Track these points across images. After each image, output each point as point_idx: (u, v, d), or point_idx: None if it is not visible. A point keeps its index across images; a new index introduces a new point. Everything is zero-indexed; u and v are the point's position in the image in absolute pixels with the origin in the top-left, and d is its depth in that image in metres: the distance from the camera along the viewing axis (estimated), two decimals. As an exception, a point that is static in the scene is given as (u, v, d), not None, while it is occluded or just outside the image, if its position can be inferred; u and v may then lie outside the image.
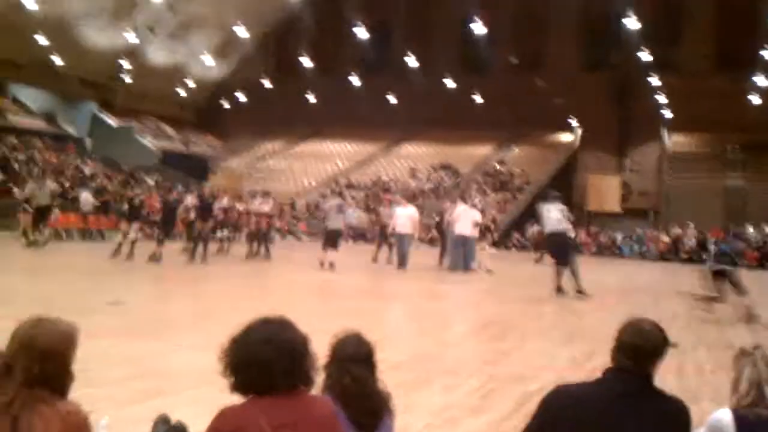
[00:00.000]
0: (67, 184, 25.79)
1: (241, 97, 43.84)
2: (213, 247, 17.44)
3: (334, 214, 16.71)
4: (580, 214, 29.17)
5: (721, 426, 2.68)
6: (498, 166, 36.85)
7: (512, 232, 30.00)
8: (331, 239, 16.15)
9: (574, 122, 38.44)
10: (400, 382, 5.10)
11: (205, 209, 16.41)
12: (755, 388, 2.67)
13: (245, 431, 2.13)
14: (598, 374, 2.72)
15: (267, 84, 42.59)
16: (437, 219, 21.47)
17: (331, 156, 41.49)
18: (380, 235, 19.67)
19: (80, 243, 20.90)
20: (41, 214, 17.52)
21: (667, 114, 36.05)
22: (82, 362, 2.35)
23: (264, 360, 2.21)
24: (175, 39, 38.12)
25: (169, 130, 41.34)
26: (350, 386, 2.70)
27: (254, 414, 2.16)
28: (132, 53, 37.22)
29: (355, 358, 2.80)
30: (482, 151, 39.64)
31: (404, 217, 17.56)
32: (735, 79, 32.30)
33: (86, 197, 23.25)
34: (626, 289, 15.71)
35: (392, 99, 40.61)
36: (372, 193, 34.18)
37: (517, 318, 10.36)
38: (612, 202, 34.13)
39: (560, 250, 13.00)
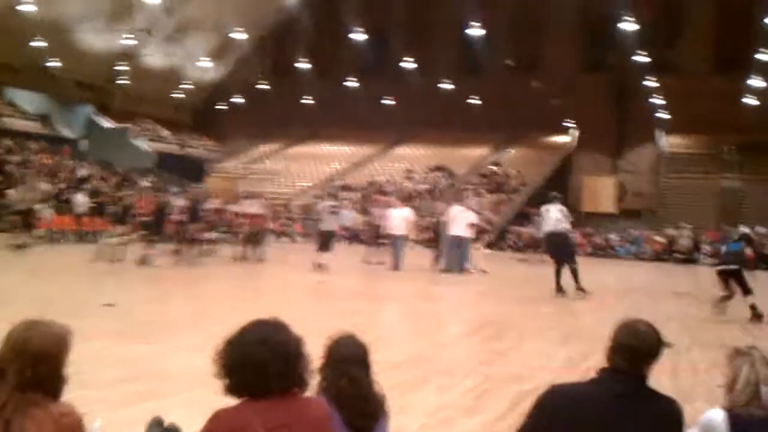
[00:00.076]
0: (61, 186, 25.75)
1: (238, 99, 43.80)
2: (199, 248, 17.18)
3: (327, 216, 16.69)
4: (575, 216, 29.13)
5: (714, 426, 2.69)
6: (493, 168, 36.87)
7: (506, 233, 29.99)
8: (325, 241, 16.13)
9: (570, 124, 38.46)
10: (396, 382, 5.10)
11: (195, 211, 16.26)
12: (752, 388, 2.67)
13: (239, 433, 2.13)
14: (594, 374, 2.72)
15: (263, 86, 42.56)
16: (438, 218, 21.35)
17: (328, 158, 41.48)
18: (372, 235, 19.61)
19: (75, 245, 20.83)
20: (26, 218, 17.38)
21: (665, 115, 36.09)
22: (75, 364, 2.34)
23: (258, 361, 2.21)
24: (171, 42, 38.09)
25: (166, 132, 41.28)
26: (346, 388, 2.70)
27: (248, 416, 2.16)
28: (128, 56, 37.17)
29: (350, 359, 2.80)
30: (478, 152, 39.66)
31: (399, 218, 17.53)
32: (732, 81, 32.36)
33: (80, 199, 23.19)
34: (622, 289, 15.73)
35: (388, 101, 40.61)
36: (367, 195, 34.16)
37: (513, 318, 10.36)
38: (607, 203, 34.18)
39: (560, 250, 13.02)
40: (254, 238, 17.90)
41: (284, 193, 35.49)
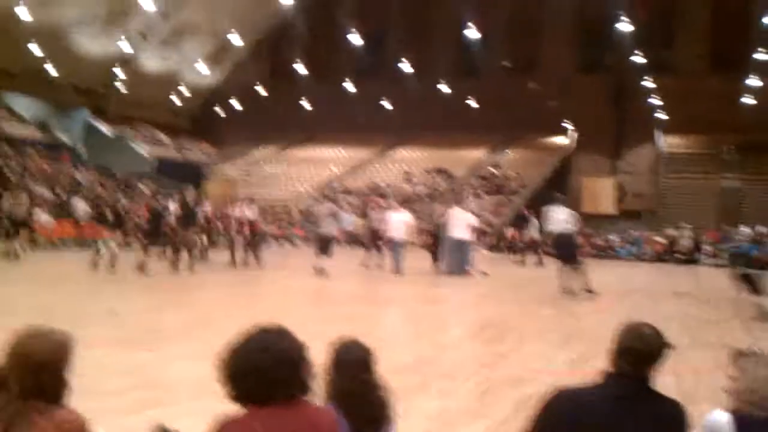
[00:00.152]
0: (60, 193, 25.73)
1: (236, 103, 43.82)
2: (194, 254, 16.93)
3: (326, 220, 16.62)
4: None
5: (718, 427, 2.68)
6: (492, 170, 36.88)
7: (504, 235, 29.98)
8: (324, 245, 16.07)
9: (568, 125, 38.48)
10: (397, 386, 5.04)
11: (187, 216, 15.91)
12: (758, 389, 2.67)
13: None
14: (596, 376, 2.72)
15: (261, 90, 42.58)
16: (437, 221, 21.31)
17: (326, 161, 41.49)
18: (371, 239, 19.60)
19: (75, 252, 20.80)
20: (17, 227, 17.22)
21: (662, 115, 36.13)
22: (77, 373, 2.33)
23: (261, 369, 2.19)
24: (168, 46, 38.13)
25: (164, 137, 41.26)
26: (353, 393, 2.68)
27: (252, 424, 2.15)
28: (126, 61, 37.19)
29: (357, 364, 2.78)
30: (477, 154, 39.68)
31: (399, 222, 17.42)
32: (729, 80, 32.40)
33: (79, 205, 23.17)
34: (622, 290, 15.71)
35: (386, 104, 40.63)
36: (367, 198, 34.18)
37: (515, 320, 10.35)
38: (607, 204, 34.18)
39: (566, 250, 13.06)
40: (251, 243, 17.84)
41: (283, 197, 35.48)
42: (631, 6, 29.58)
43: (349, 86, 40.27)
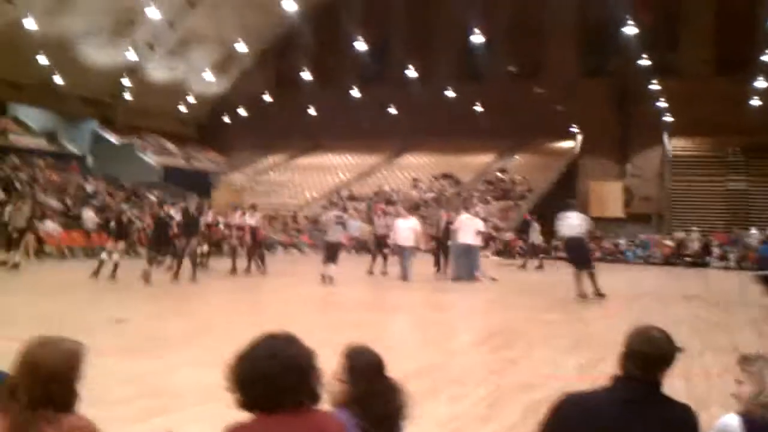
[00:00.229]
0: (69, 203, 25.83)
1: (242, 112, 43.96)
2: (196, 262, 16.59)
3: (333, 227, 16.60)
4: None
5: (728, 431, 2.67)
6: (500, 175, 36.86)
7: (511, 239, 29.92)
8: (331, 252, 16.05)
9: (574, 129, 38.43)
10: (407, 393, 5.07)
11: (189, 224, 15.72)
12: (766, 392, 2.66)
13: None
14: (606, 381, 2.70)
15: (267, 98, 42.70)
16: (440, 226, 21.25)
17: (333, 168, 41.54)
18: (375, 246, 19.45)
19: (82, 261, 20.83)
20: (18, 237, 17.08)
21: (668, 118, 36.05)
22: (85, 382, 2.33)
23: (270, 375, 2.18)
24: (175, 56, 38.30)
25: (171, 146, 41.43)
26: (368, 398, 2.66)
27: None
28: (133, 71, 37.38)
29: (374, 367, 2.78)
30: (483, 159, 39.65)
31: (406, 229, 17.31)
32: (735, 82, 32.31)
33: (89, 215, 23.26)
34: (632, 294, 15.66)
35: (392, 110, 40.67)
36: (374, 204, 34.17)
37: (523, 326, 10.33)
38: (614, 208, 34.12)
39: (579, 255, 13.06)
40: (252, 250, 17.82)
41: (290, 205, 35.52)
42: (636, 10, 29.56)
43: (355, 93, 40.34)
